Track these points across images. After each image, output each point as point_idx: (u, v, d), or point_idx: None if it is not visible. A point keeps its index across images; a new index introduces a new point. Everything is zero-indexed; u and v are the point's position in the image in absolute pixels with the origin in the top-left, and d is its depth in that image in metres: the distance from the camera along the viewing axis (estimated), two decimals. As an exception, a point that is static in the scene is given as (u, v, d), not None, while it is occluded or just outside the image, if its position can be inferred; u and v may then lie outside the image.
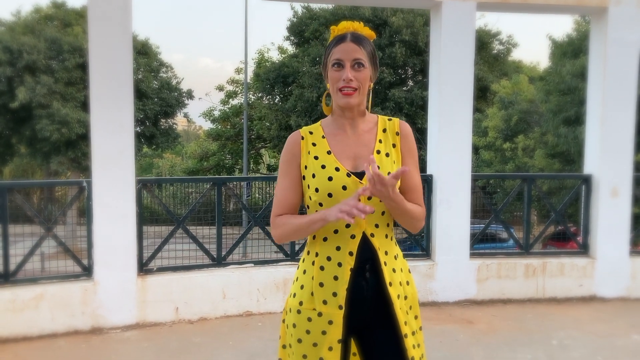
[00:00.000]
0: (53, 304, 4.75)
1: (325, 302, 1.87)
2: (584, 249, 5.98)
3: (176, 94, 21.48)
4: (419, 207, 1.97)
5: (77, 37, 19.02)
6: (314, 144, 1.95)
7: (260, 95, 23.59)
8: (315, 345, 1.88)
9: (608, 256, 5.84)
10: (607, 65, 5.71)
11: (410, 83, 18.69)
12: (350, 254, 1.87)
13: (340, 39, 1.90)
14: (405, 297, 1.94)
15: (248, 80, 23.78)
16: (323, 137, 1.96)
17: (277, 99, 22.70)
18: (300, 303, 1.91)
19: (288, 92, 20.81)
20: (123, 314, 4.94)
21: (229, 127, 26.80)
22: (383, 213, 1.91)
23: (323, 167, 1.89)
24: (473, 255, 5.75)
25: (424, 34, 16.90)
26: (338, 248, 1.88)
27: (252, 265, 5.47)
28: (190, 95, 21.89)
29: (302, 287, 1.93)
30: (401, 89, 17.11)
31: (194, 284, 5.18)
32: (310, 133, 1.97)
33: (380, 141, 1.96)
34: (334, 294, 1.87)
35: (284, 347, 2.01)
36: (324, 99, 1.99)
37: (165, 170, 37.21)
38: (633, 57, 5.72)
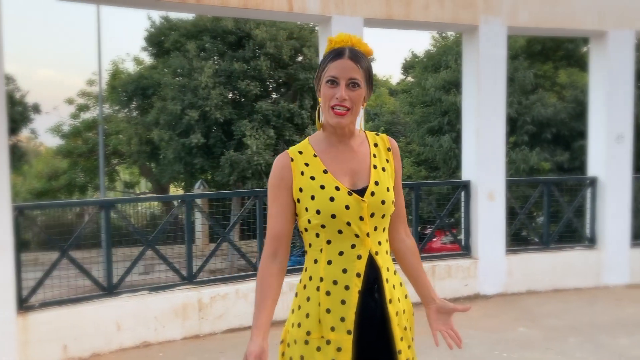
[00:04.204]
0: None
1: (333, 329, 1.78)
2: (467, 251, 6.38)
3: (20, 108, 19.60)
4: (418, 253, 2.06)
5: None
6: (306, 164, 1.85)
7: (117, 108, 22.28)
8: None
9: (488, 256, 6.30)
10: (480, 79, 6.18)
11: (275, 95, 18.81)
12: (358, 275, 1.80)
13: (338, 54, 1.81)
14: (404, 312, 1.90)
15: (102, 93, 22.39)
16: (315, 155, 1.86)
17: (134, 112, 21.62)
18: (308, 333, 1.80)
19: (148, 104, 19.90)
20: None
21: (80, 143, 24.97)
22: (384, 229, 1.87)
23: (322, 187, 1.80)
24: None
25: (287, 47, 17.10)
26: (344, 270, 1.79)
27: (148, 292, 5.11)
28: (37, 109, 20.09)
29: (307, 315, 1.81)
30: (267, 102, 17.13)
31: (84, 318, 4.71)
32: (300, 153, 1.87)
33: (374, 156, 1.91)
34: (342, 319, 1.78)
35: None
36: (317, 114, 1.90)
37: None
38: (501, 71, 6.25)
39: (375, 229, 1.82)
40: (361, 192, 1.82)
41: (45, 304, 4.65)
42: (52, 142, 28.50)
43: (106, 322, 4.80)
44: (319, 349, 1.78)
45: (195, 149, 16.82)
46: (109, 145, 23.52)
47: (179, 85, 17.28)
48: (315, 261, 1.83)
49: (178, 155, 17.34)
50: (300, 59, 18.06)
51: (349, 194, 1.80)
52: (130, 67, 24.47)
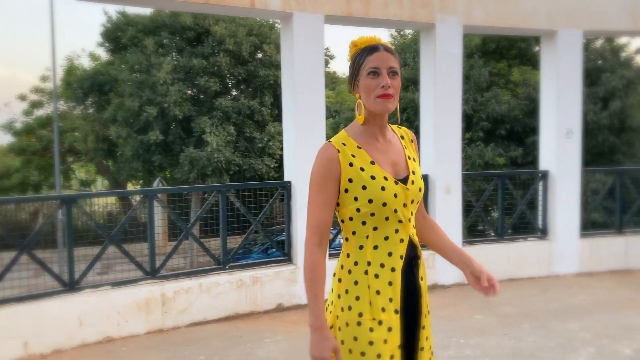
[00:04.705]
0: None
1: (383, 310, 1.89)
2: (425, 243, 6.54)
3: (-30, 104, 18.94)
4: (439, 226, 2.29)
5: None
6: (353, 156, 1.94)
7: (72, 105, 21.75)
8: (379, 356, 1.87)
9: (445, 247, 6.47)
10: (437, 76, 6.35)
11: (234, 92, 18.73)
12: (401, 257, 1.93)
13: (373, 49, 1.93)
14: (427, 290, 2.05)
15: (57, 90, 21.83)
16: (359, 147, 1.95)
17: (91, 109, 21.17)
18: (360, 314, 1.89)
19: (104, 101, 19.52)
20: (-41, 357, 4.29)
21: (34, 140, 24.29)
22: (414, 214, 2.02)
23: (373, 177, 1.91)
24: (332, 256, 5.98)
25: (247, 44, 17.05)
26: (390, 254, 1.92)
27: (110, 286, 5.09)
28: (-13, 105, 19.41)
29: (357, 298, 1.90)
30: (227, 98, 17.03)
31: (45, 314, 4.67)
32: (344, 144, 1.95)
33: (405, 147, 2.05)
34: (390, 300, 1.90)
35: None
36: (356, 109, 1.98)
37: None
38: (458, 69, 6.45)
39: (411, 213, 1.97)
40: (405, 181, 1.95)
41: (4, 301, 4.59)
42: (3, 139, 27.64)
43: (68, 317, 4.77)
44: (371, 329, 1.88)
45: (153, 146, 16.60)
46: (65, 142, 22.97)
47: (136, 81, 17.03)
48: (361, 247, 1.93)
49: (136, 153, 17.09)
50: (260, 55, 18.02)
51: (396, 183, 1.93)
52: (85, 62, 23.99)
